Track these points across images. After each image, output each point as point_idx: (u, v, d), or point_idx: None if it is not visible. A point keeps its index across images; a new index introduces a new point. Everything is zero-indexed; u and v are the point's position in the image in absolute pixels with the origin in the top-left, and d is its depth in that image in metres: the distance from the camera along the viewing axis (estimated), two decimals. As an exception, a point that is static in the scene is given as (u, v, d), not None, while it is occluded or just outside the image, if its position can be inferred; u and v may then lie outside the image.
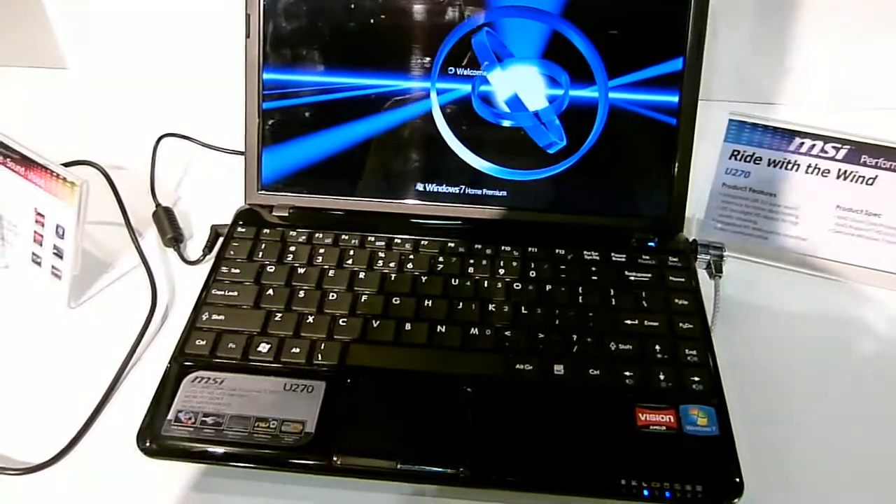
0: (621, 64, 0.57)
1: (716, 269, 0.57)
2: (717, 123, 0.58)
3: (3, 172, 0.56)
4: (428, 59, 0.58)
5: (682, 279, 0.55)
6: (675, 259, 0.56)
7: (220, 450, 0.45)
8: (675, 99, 0.57)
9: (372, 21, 0.58)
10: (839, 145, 0.56)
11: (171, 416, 0.46)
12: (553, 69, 0.57)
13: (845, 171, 0.56)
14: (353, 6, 0.57)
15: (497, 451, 0.45)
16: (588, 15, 0.56)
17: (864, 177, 0.56)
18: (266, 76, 0.59)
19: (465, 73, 0.58)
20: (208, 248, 0.59)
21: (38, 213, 0.55)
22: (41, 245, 0.56)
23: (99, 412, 0.49)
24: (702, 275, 0.57)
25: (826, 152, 0.56)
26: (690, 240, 0.59)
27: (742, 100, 0.79)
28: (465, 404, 0.47)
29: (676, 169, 0.58)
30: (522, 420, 0.47)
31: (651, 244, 0.58)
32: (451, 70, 0.58)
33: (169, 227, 0.61)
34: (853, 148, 0.55)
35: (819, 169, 0.57)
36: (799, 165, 0.57)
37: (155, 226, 0.62)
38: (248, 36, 0.58)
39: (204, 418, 0.46)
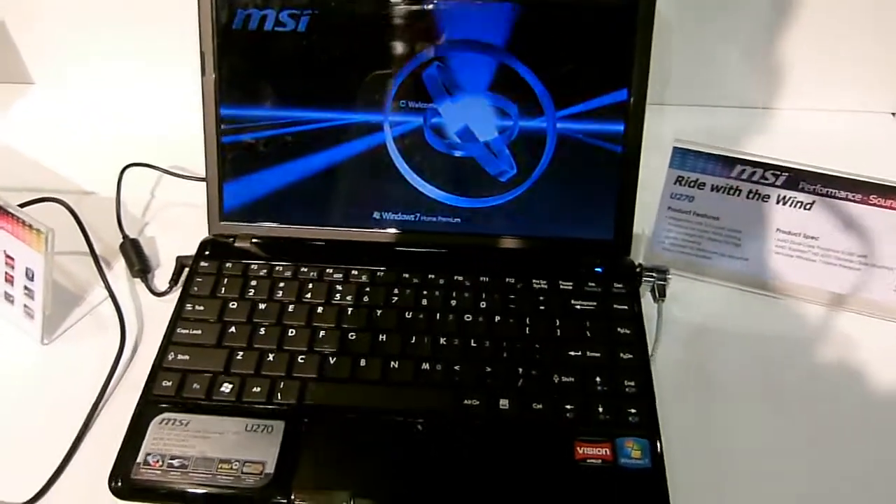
0: (568, 95, 0.59)
1: (659, 294, 0.60)
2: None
3: (-30, 215, 0.58)
4: (381, 93, 0.59)
5: (626, 307, 0.58)
6: (619, 286, 0.59)
7: (185, 492, 0.48)
8: (621, 128, 0.59)
9: (325, 57, 0.59)
10: (778, 172, 0.58)
11: (140, 458, 0.49)
12: (502, 101, 0.59)
13: (784, 197, 0.58)
14: (304, 42, 0.58)
15: (445, 487, 0.49)
16: (535, 49, 0.58)
17: (802, 202, 0.58)
18: (224, 111, 0.60)
19: (417, 105, 0.59)
20: (174, 279, 0.61)
21: (8, 256, 0.57)
22: (12, 284, 0.58)
23: (73, 452, 0.52)
24: (646, 297, 0.60)
25: (766, 179, 0.58)
26: (636, 263, 0.61)
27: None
28: (416, 440, 0.51)
29: (623, 195, 0.60)
30: (469, 456, 0.50)
31: (598, 269, 0.60)
32: (403, 103, 0.59)
33: (136, 259, 0.63)
34: (791, 175, 0.57)
35: (759, 194, 0.59)
36: (740, 191, 0.59)
37: (122, 257, 0.64)
38: (203, 73, 0.59)
39: (171, 461, 0.49)
